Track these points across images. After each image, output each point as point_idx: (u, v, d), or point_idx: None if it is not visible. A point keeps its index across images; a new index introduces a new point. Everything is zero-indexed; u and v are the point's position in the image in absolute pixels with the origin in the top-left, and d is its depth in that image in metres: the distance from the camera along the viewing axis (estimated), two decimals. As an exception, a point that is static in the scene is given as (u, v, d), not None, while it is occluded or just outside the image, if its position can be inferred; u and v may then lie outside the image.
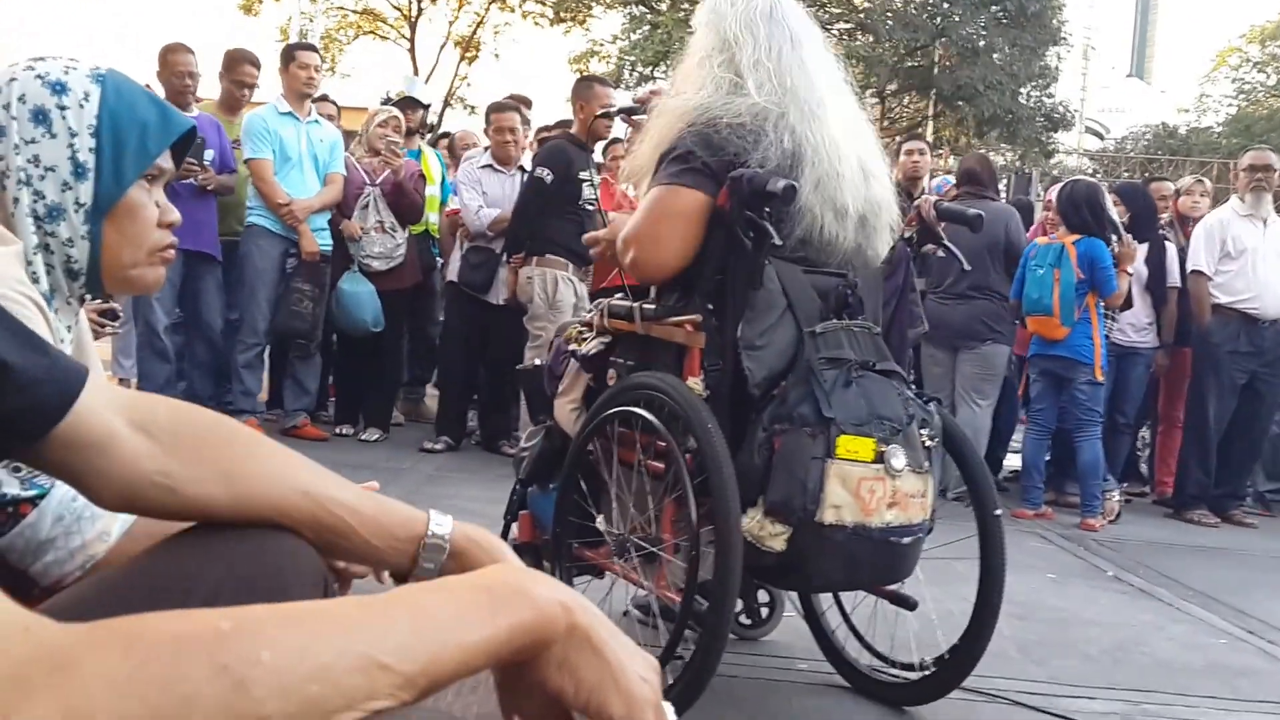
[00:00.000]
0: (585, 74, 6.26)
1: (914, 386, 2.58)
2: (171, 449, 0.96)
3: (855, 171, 2.57)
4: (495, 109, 6.58)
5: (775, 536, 2.29)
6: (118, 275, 1.31)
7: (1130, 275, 5.95)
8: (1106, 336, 6.00)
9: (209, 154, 5.83)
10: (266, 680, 0.58)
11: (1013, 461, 7.04)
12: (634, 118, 3.18)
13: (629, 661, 0.73)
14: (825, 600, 2.98)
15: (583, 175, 5.78)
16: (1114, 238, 5.81)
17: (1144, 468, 7.43)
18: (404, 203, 6.29)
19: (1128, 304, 6.33)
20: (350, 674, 0.62)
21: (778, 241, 2.38)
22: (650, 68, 21.79)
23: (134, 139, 1.26)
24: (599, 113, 5.58)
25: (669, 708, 0.76)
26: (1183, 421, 6.65)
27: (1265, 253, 6.27)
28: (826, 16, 21.97)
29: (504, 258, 6.09)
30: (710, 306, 2.48)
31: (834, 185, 2.51)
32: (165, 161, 1.31)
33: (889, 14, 21.51)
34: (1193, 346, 6.48)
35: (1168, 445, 6.91)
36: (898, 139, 6.75)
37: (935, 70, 22.01)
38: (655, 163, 2.58)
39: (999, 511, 2.64)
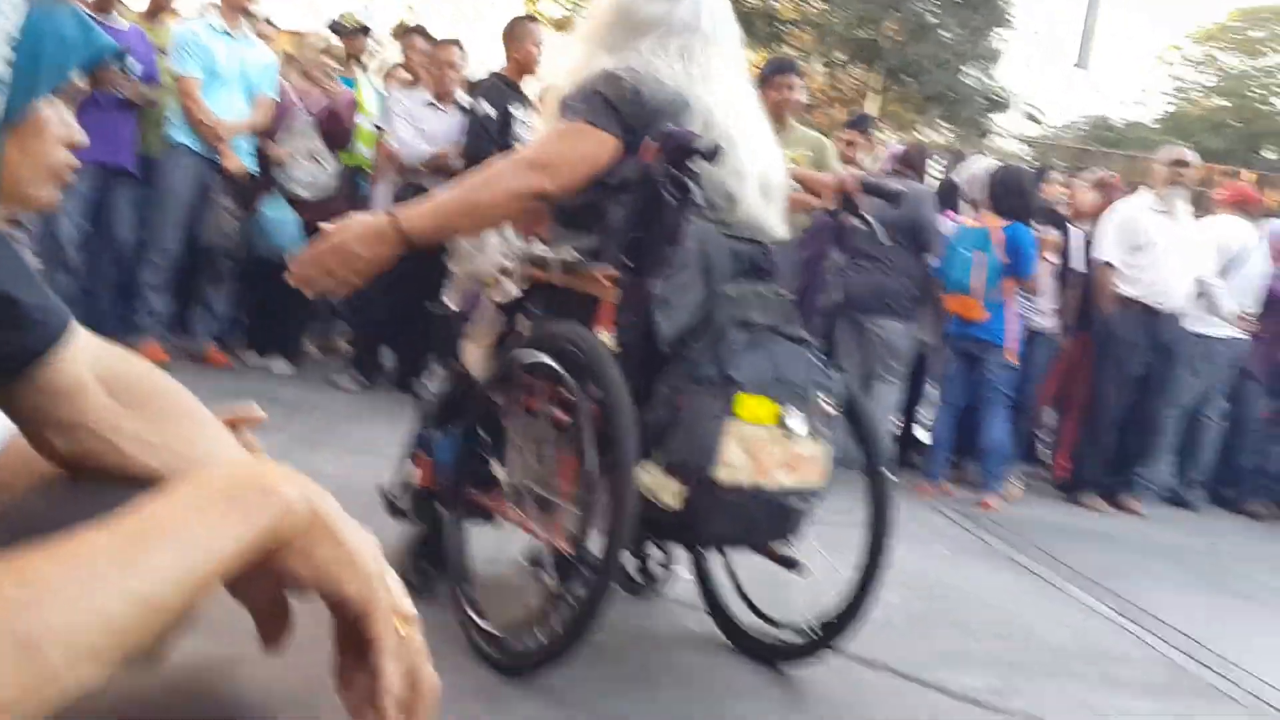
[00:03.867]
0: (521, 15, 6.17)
1: (820, 353, 2.62)
2: (129, 411, 0.96)
3: (749, 140, 2.63)
4: (440, 44, 6.48)
5: (670, 493, 2.32)
6: (13, 192, 1.28)
7: (1051, 261, 6.05)
8: (1022, 320, 6.11)
9: (134, 66, 5.67)
10: (58, 642, 0.58)
11: (922, 438, 7.15)
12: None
13: (361, 543, 0.75)
14: (715, 560, 3.01)
15: (514, 113, 5.72)
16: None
17: (1045, 451, 7.58)
18: (335, 130, 6.18)
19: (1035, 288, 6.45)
20: (129, 619, 0.62)
21: (700, 201, 2.39)
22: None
23: (52, 53, 1.23)
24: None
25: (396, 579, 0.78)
26: (1080, 407, 6.79)
27: (1173, 248, 6.38)
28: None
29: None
30: (628, 261, 2.49)
31: (730, 148, 2.54)
32: (79, 80, 1.28)
33: (843, -17, 21.53)
34: (1094, 335, 6.60)
35: (1066, 430, 7.06)
36: (840, 110, 6.74)
37: (884, 44, 22.08)
38: (567, 97, 2.61)
39: (889, 474, 2.70)
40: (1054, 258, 6.47)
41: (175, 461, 0.95)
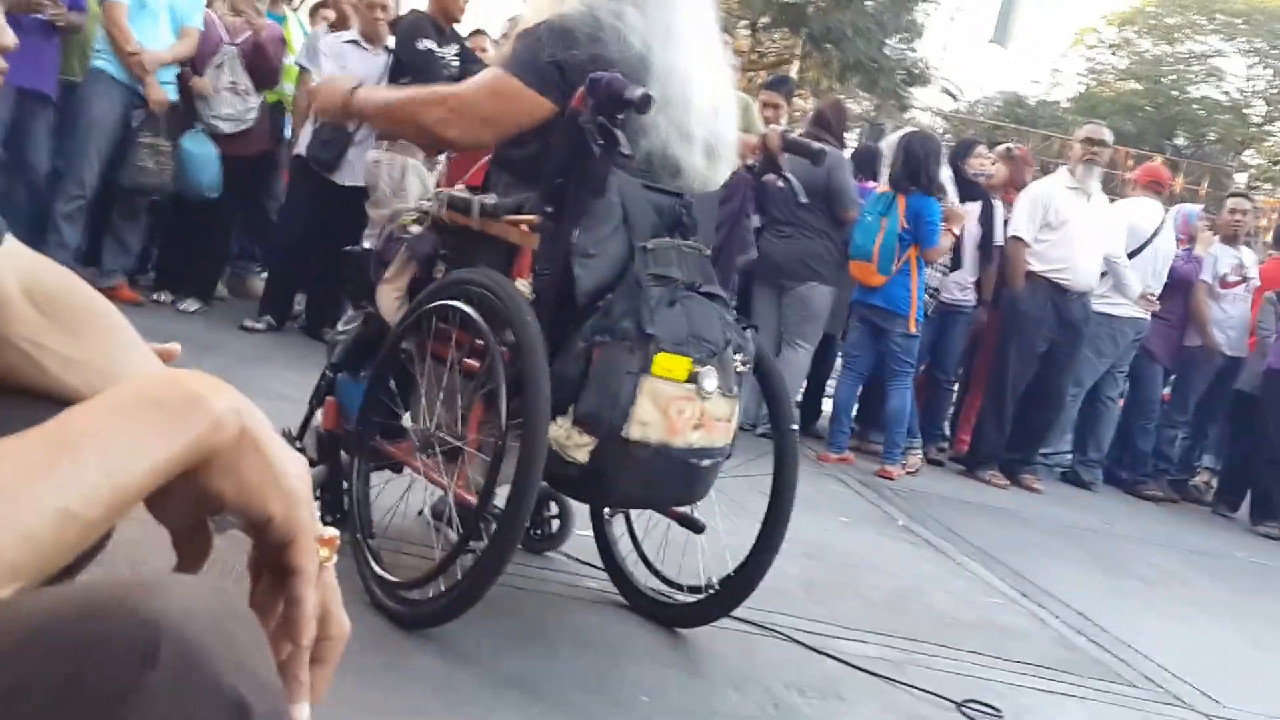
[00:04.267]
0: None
1: (734, 311, 2.60)
2: (54, 324, 0.91)
3: (706, 103, 2.56)
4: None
5: (580, 447, 2.29)
6: None
7: (956, 235, 6.07)
8: (929, 290, 6.15)
9: (61, -12, 5.47)
10: None
11: (829, 407, 7.21)
12: None
13: (288, 463, 0.73)
14: (617, 520, 2.99)
15: (443, 52, 5.61)
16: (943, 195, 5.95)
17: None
18: (262, 66, 6.03)
19: (956, 263, 6.49)
20: (48, 532, 0.59)
21: (626, 151, 2.35)
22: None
23: None
24: None
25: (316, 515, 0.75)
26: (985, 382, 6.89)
27: (1085, 227, 6.46)
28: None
29: (355, 136, 5.89)
30: (549, 209, 2.43)
31: (681, 111, 2.50)
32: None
33: (774, -54, 21.49)
34: (1001, 310, 6.67)
35: (971, 404, 7.15)
36: (763, 74, 6.72)
37: (809, 9, 22.11)
38: (518, 37, 2.56)
39: (795, 428, 2.71)
40: (971, 229, 6.51)
41: (98, 381, 0.91)
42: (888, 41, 23.15)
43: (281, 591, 0.72)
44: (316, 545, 0.73)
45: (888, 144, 6.77)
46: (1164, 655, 3.70)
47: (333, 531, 0.75)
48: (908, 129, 7.13)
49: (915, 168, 5.82)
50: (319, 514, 0.76)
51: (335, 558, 0.75)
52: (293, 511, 0.71)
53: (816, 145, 2.63)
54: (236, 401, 0.70)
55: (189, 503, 0.71)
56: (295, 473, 0.73)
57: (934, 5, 25.29)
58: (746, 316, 6.13)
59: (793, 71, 22.38)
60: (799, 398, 6.84)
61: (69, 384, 0.90)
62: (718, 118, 2.61)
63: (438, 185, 5.47)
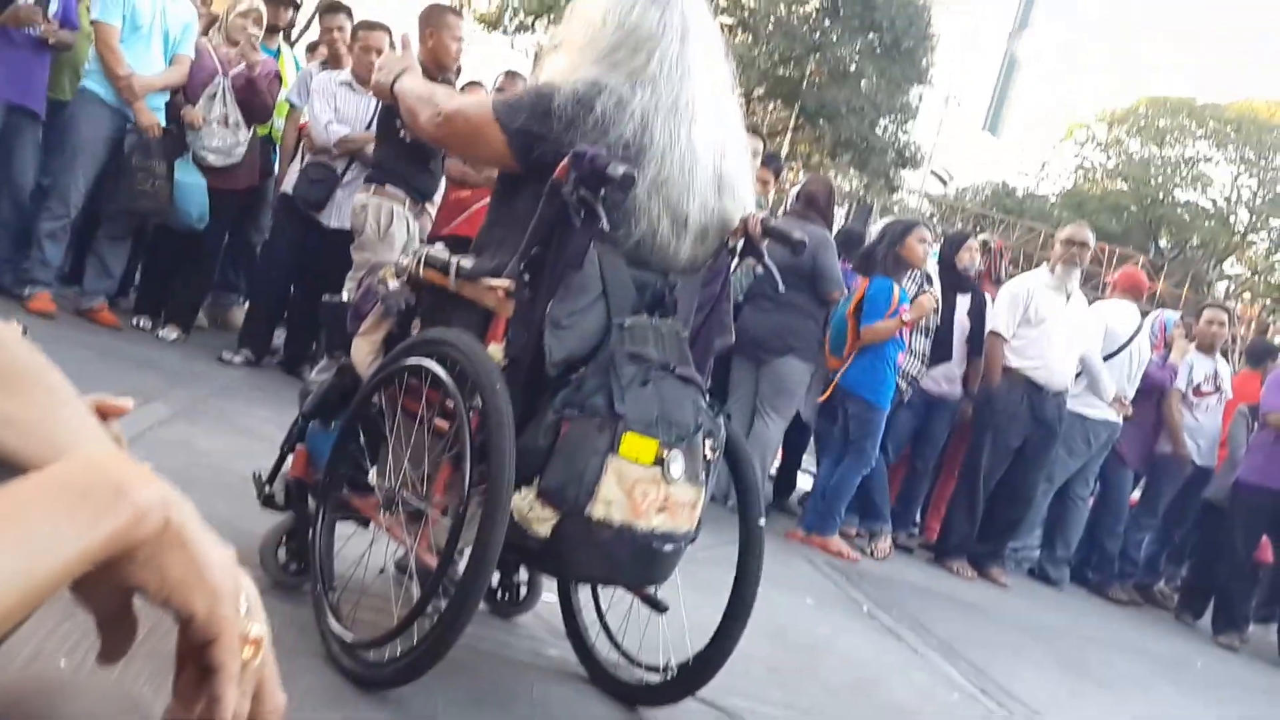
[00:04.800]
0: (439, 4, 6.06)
1: (709, 397, 2.58)
2: None
3: (708, 183, 2.54)
4: (364, 26, 6.34)
5: (542, 521, 2.27)
6: None
7: (905, 322, 6.03)
8: (906, 375, 6.16)
9: (53, 5, 5.48)
10: None
11: (805, 483, 7.21)
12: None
13: (214, 556, 0.71)
14: (583, 589, 2.96)
15: None
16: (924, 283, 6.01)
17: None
18: (254, 101, 6.04)
19: (945, 355, 6.52)
20: None
21: (605, 227, 2.34)
22: (532, 17, 21.52)
23: None
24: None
25: (252, 591, 0.73)
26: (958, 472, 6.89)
27: (1063, 326, 6.51)
28: (712, 8, 22.08)
29: (343, 178, 5.91)
30: (526, 277, 2.43)
31: (678, 192, 2.49)
32: None
33: (771, 18, 21.79)
34: (977, 403, 6.69)
35: (942, 493, 7.15)
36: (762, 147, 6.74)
37: (804, 84, 22.39)
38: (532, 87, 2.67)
39: (763, 521, 2.68)
40: (960, 322, 6.55)
41: (36, 441, 0.88)
42: (880, 122, 23.41)
43: (205, 685, 0.70)
44: (240, 644, 0.71)
45: (873, 231, 6.84)
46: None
47: (259, 631, 0.73)
48: (890, 219, 7.20)
49: (871, 250, 5.88)
50: (257, 596, 0.74)
51: (261, 656, 0.73)
52: (216, 609, 0.69)
53: (798, 235, 2.62)
54: (163, 493, 0.69)
55: (111, 591, 0.70)
56: (221, 568, 0.71)
57: (928, 89, 25.64)
58: (725, 389, 6.23)
59: (785, 144, 22.63)
60: (772, 471, 6.84)
61: (7, 443, 0.88)
62: (722, 196, 2.58)
63: (426, 232, 5.49)
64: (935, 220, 25.55)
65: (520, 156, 2.50)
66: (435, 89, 2.81)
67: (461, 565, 2.28)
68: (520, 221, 2.50)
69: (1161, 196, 32.33)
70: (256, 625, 0.73)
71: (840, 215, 14.83)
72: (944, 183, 38.05)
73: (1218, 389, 7.60)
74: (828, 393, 6.06)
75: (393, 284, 2.73)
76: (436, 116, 2.65)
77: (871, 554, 5.98)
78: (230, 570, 0.71)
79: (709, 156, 2.54)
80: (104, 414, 0.98)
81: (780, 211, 7.21)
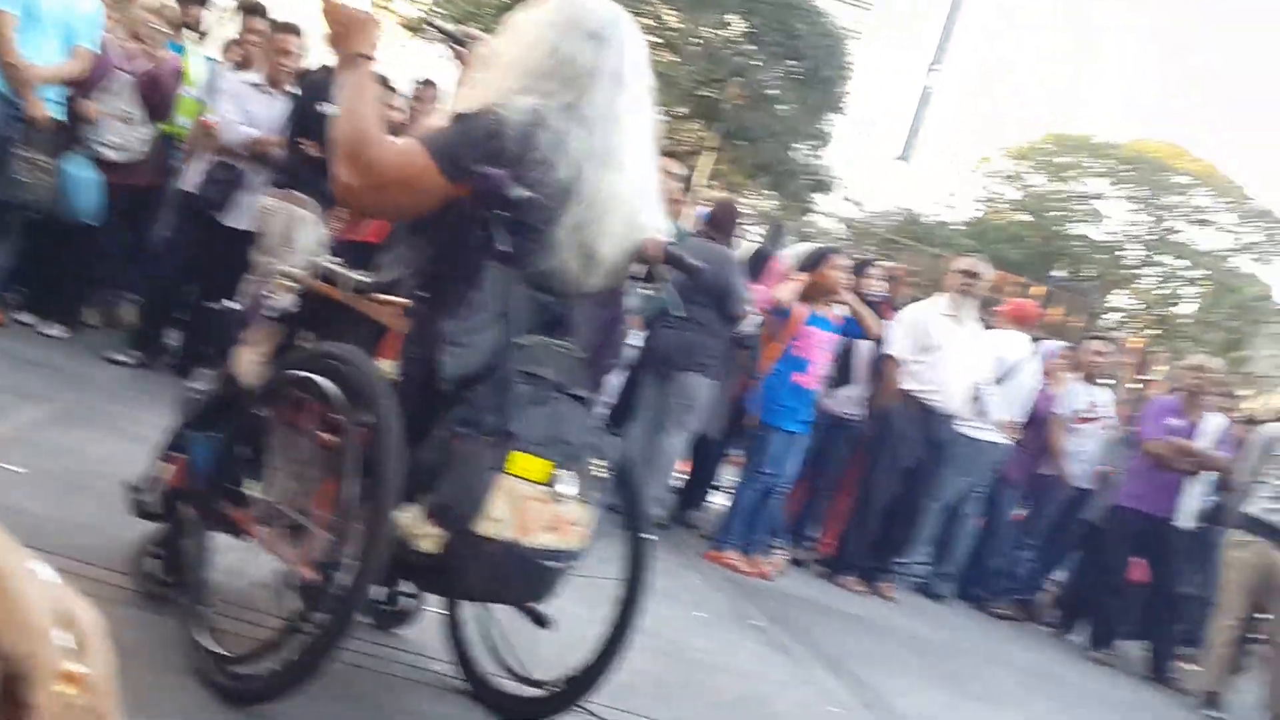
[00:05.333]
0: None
1: (598, 415, 2.61)
2: None
3: (624, 227, 2.54)
4: (278, 28, 6.28)
5: (428, 538, 2.27)
6: None
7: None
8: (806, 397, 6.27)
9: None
10: None
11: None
12: (457, 47, 2.98)
13: (29, 592, 0.69)
14: (469, 605, 2.95)
15: None
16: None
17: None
18: (155, 96, 5.92)
19: (847, 378, 6.64)
20: None
21: (503, 248, 2.35)
22: (454, 24, 21.36)
23: None
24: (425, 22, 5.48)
25: (86, 625, 0.72)
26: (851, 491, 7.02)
27: (957, 353, 6.68)
28: (638, 27, 22.19)
29: (246, 180, 5.83)
30: (423, 293, 2.42)
31: (594, 235, 2.48)
32: None
33: (695, 41, 21.95)
34: (873, 424, 6.83)
35: (837, 509, 7.27)
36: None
37: (725, 106, 22.59)
38: (456, 116, 2.50)
39: (652, 536, 2.71)
40: (865, 347, 6.69)
41: None
42: (796, 146, 23.71)
43: None
44: (59, 681, 0.69)
45: (791, 255, 6.95)
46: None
47: (80, 669, 0.72)
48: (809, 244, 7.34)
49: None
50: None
51: (83, 696, 0.72)
52: (28, 646, 0.68)
53: (695, 263, 2.66)
54: None
55: None
56: (35, 604, 0.69)
57: (844, 118, 26.02)
58: (630, 404, 6.27)
59: (705, 165, 22.81)
60: (680, 485, 6.92)
61: None
62: (629, 239, 2.57)
63: (334, 241, 5.42)
64: (848, 243, 25.90)
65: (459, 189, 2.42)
66: (366, 112, 2.45)
67: (342, 580, 2.26)
68: (421, 238, 2.50)
69: (1058, 229, 33.21)
70: (79, 664, 0.71)
71: (757, 236, 14.99)
72: (857, 207, 38.60)
73: (1099, 416, 7.86)
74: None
75: (285, 294, 2.71)
76: (362, 155, 2.39)
77: (766, 570, 6.05)
78: (47, 604, 0.70)
79: (629, 202, 2.54)
80: None
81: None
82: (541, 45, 2.50)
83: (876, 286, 6.99)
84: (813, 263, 6.20)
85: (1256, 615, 6.88)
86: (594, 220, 2.47)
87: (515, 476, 2.31)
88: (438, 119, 2.65)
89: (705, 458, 7.02)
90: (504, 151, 2.38)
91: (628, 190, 2.53)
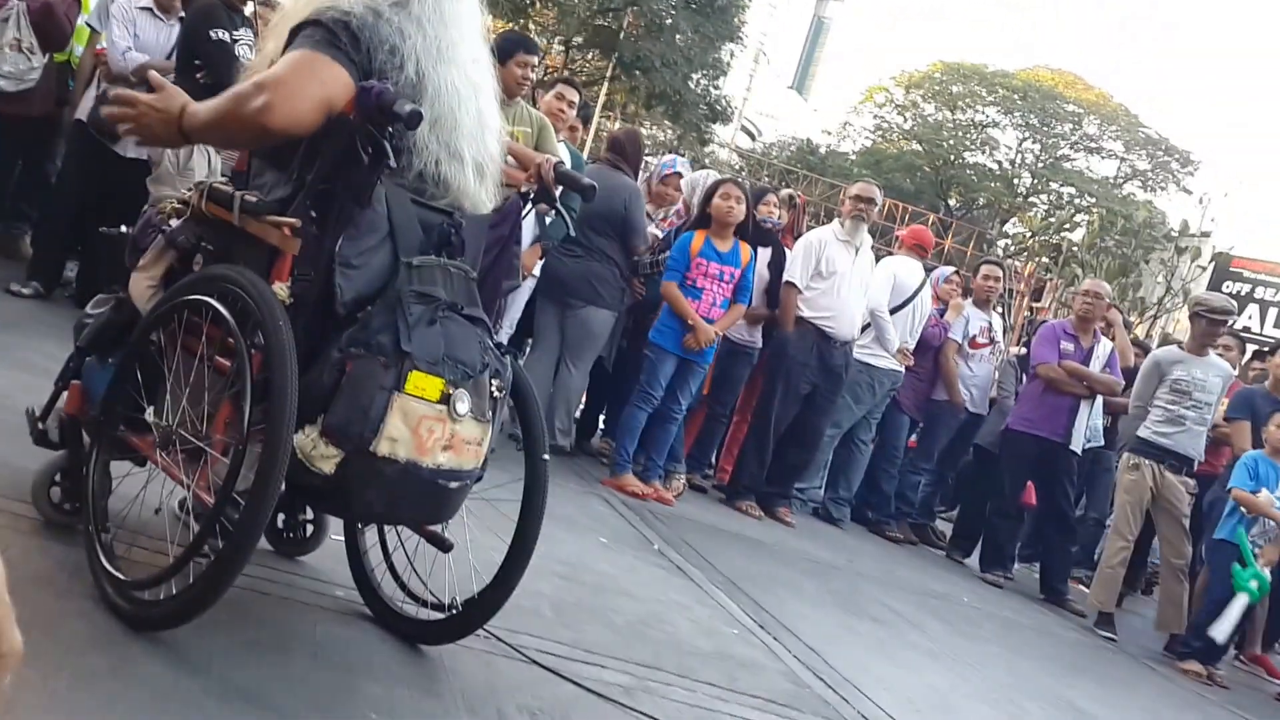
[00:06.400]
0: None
1: (495, 336, 2.62)
2: None
3: (474, 121, 2.59)
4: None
5: (326, 459, 2.27)
6: None
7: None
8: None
9: None
10: None
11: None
12: None
13: None
14: (370, 530, 2.96)
15: (237, 36, 5.44)
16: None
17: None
18: (51, 26, 5.73)
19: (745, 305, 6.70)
20: None
21: (393, 164, 2.35)
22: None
23: None
24: None
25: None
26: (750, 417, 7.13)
27: (852, 278, 6.82)
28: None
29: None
30: (313, 214, 2.40)
31: (451, 130, 2.52)
32: None
33: (591, -31, 21.76)
34: (770, 351, 6.93)
35: (735, 436, 7.39)
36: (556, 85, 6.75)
37: (621, 35, 22.46)
38: (296, 29, 2.47)
39: (546, 458, 2.73)
40: (761, 273, 6.74)
41: None
42: (693, 76, 23.71)
43: None
44: None
45: (689, 182, 6.95)
46: (883, 696, 3.89)
47: None
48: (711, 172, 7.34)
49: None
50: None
51: None
52: None
53: (587, 181, 2.67)
54: None
55: None
56: None
57: (740, 48, 26.04)
58: (528, 332, 6.27)
59: (602, 94, 22.67)
60: (577, 414, 6.96)
61: None
62: (485, 136, 2.64)
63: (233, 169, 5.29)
64: (743, 174, 26.06)
65: (358, 76, 2.41)
66: (226, 93, 2.45)
67: (241, 504, 2.26)
68: (286, 155, 2.48)
69: (952, 158, 33.76)
70: None
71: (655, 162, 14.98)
72: (753, 138, 38.76)
73: (992, 341, 8.08)
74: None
75: (175, 219, 2.65)
76: (263, 95, 2.34)
77: (666, 496, 6.13)
78: None
79: (471, 97, 2.59)
80: None
81: (592, 161, 7.24)
82: None
83: (769, 214, 7.03)
84: (707, 195, 6.24)
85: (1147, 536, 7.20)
86: (446, 115, 2.51)
87: (410, 396, 2.32)
88: (273, 41, 2.56)
89: (602, 386, 7.05)
90: (363, 42, 2.41)
91: (466, 87, 2.58)
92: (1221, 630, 6.32)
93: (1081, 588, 8.02)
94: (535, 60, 5.80)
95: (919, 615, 5.63)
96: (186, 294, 2.45)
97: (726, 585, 4.72)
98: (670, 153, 21.35)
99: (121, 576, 2.38)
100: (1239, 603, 6.27)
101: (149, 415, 2.50)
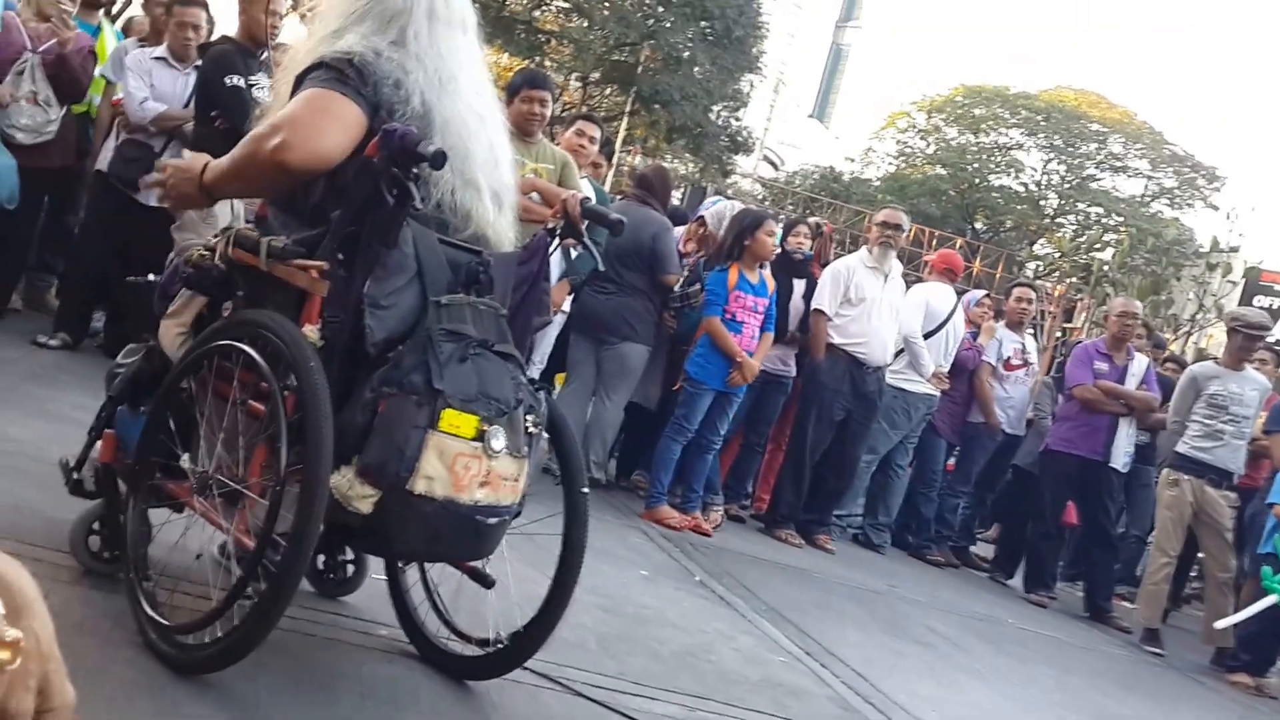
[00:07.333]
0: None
1: (529, 369, 2.62)
2: None
3: (486, 151, 2.62)
4: (181, 2, 6.14)
5: (363, 499, 2.27)
6: None
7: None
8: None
9: None
10: None
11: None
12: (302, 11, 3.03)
13: None
14: (411, 567, 2.96)
15: (253, 81, 5.48)
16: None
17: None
18: (65, 78, 5.81)
19: (781, 336, 6.70)
20: None
21: (419, 205, 2.37)
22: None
23: None
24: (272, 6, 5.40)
25: (23, 593, 0.73)
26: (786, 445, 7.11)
27: (881, 304, 6.82)
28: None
29: (162, 154, 5.73)
30: (340, 256, 2.42)
31: (463, 159, 2.54)
32: None
33: (605, 4, 21.91)
34: (803, 379, 6.91)
35: (771, 465, 7.35)
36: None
37: (639, 70, 22.59)
38: (303, 74, 2.52)
39: (585, 490, 2.74)
40: (796, 305, 6.75)
41: None
42: (713, 108, 23.79)
43: None
44: None
45: (715, 214, 6.96)
46: (932, 718, 3.84)
47: (14, 634, 0.72)
48: (731, 202, 7.34)
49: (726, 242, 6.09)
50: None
51: (18, 661, 0.71)
52: None
53: (615, 215, 2.68)
54: None
55: None
56: None
57: (760, 78, 26.13)
58: (563, 367, 6.28)
59: (622, 129, 22.79)
60: (617, 451, 6.97)
61: None
62: (499, 165, 2.67)
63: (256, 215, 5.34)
64: (767, 203, 26.08)
65: (369, 113, 2.45)
66: (243, 141, 2.53)
67: (281, 546, 2.26)
68: (303, 199, 2.51)
69: (977, 181, 33.66)
70: (13, 630, 0.71)
71: (676, 199, 15.05)
72: (775, 167, 38.85)
73: (1026, 363, 8.04)
74: (679, 384, 6.22)
75: (202, 264, 2.67)
76: (279, 135, 2.41)
77: (705, 526, 6.11)
78: None
79: (479, 127, 2.62)
80: None
81: (617, 196, 7.29)
82: None
83: (799, 245, 7.04)
84: (747, 228, 6.23)
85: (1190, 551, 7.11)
86: (457, 145, 2.52)
87: (445, 433, 2.32)
88: (285, 85, 2.60)
89: (640, 422, 7.05)
90: (365, 82, 2.45)
91: (473, 118, 2.61)
92: (1235, 620, 6.29)
93: (1126, 604, 7.92)
94: (544, 95, 5.75)
95: (964, 637, 5.57)
96: (217, 339, 2.47)
97: (770, 613, 4.68)
98: (691, 186, 21.49)
99: (165, 622, 2.39)
100: (1265, 601, 6.16)
101: (184, 461, 2.51)
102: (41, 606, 0.74)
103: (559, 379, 6.52)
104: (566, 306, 6.14)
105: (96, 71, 6.23)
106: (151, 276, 2.84)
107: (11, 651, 0.71)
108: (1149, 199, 33.77)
